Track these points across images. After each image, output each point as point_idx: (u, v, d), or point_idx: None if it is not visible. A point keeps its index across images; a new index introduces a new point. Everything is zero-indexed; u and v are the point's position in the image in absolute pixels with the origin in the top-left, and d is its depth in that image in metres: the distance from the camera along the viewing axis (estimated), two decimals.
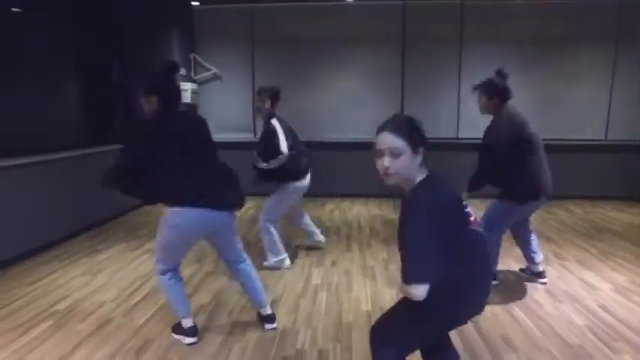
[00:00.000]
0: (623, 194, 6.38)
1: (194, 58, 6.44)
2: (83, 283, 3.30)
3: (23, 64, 4.45)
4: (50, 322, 2.68)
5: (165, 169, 2.21)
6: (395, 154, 1.49)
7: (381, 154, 1.52)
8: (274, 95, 3.50)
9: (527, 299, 3.07)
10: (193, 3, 5.82)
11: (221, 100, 6.66)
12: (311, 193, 6.48)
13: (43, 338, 2.50)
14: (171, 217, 2.24)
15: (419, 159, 1.53)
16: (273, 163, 3.36)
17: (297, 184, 3.51)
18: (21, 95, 4.41)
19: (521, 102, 6.40)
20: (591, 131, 6.47)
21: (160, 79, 2.39)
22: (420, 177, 1.54)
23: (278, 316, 2.72)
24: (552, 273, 3.54)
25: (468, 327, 2.64)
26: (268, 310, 2.61)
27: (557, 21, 6.21)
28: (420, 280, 1.41)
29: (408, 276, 1.41)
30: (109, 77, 5.82)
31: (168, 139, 2.25)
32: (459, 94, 6.38)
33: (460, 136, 6.46)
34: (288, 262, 3.63)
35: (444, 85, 6.43)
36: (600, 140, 6.47)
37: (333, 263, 3.77)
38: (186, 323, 2.44)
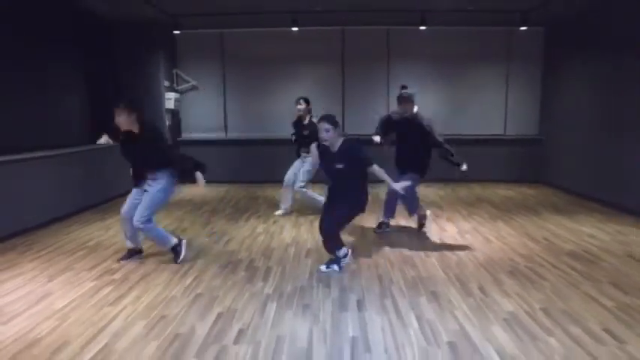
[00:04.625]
0: (517, 177, 8.16)
1: (176, 73, 8.00)
2: (100, 234, 4.86)
3: (44, 86, 5.96)
4: (85, 251, 4.25)
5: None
6: (328, 131, 3.40)
7: (322, 131, 3.47)
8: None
9: (395, 238, 4.72)
10: (175, 32, 7.36)
11: (198, 106, 8.22)
12: (269, 180, 8.02)
13: (83, 256, 4.08)
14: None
15: (338, 132, 3.48)
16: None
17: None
18: (40, 105, 5.93)
19: (439, 106, 8.18)
20: (493, 128, 8.22)
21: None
22: (340, 140, 3.55)
23: (230, 247, 4.32)
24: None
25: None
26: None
27: (461, 43, 7.94)
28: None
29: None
30: (109, 90, 7.35)
31: None
32: (388, 99, 8.04)
33: None
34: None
35: (376, 92, 8.10)
36: (500, 135, 8.23)
37: (275, 222, 5.40)
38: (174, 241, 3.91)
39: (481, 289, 3.34)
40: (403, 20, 7.32)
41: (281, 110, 8.35)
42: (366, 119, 8.14)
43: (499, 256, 4.10)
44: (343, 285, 3.42)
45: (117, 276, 3.58)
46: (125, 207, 3.84)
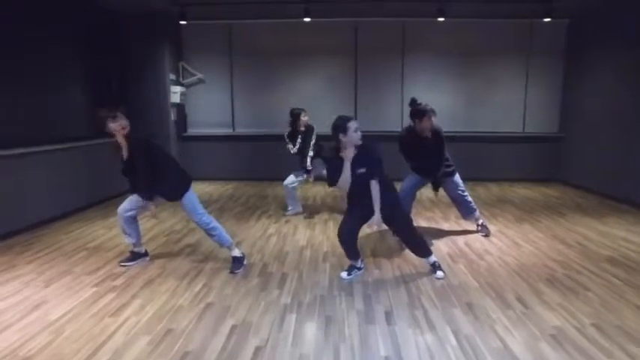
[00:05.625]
0: (536, 176, 7.81)
1: (182, 66, 7.69)
2: (102, 234, 4.57)
3: (47, 79, 5.67)
4: (86, 252, 3.97)
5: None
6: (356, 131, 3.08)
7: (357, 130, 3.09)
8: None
9: None
10: (181, 22, 7.05)
11: (205, 100, 7.91)
12: (278, 177, 7.75)
13: (83, 258, 3.80)
14: None
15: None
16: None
17: None
18: (46, 100, 5.64)
19: (454, 103, 7.84)
20: (511, 125, 7.87)
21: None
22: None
23: (241, 249, 4.01)
24: (447, 225, 4.91)
25: (366, 249, 3.97)
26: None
27: (480, 36, 7.58)
28: None
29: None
30: (113, 84, 7.06)
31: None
32: (402, 95, 7.72)
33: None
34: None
35: (390, 88, 7.76)
36: (519, 132, 7.88)
37: (287, 222, 5.09)
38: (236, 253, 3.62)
39: (520, 300, 3.02)
40: (420, 12, 6.98)
41: (290, 105, 7.96)
42: (379, 115, 7.84)
43: (532, 262, 3.78)
44: (367, 294, 3.11)
45: (119, 282, 3.28)
46: (124, 205, 3.65)
